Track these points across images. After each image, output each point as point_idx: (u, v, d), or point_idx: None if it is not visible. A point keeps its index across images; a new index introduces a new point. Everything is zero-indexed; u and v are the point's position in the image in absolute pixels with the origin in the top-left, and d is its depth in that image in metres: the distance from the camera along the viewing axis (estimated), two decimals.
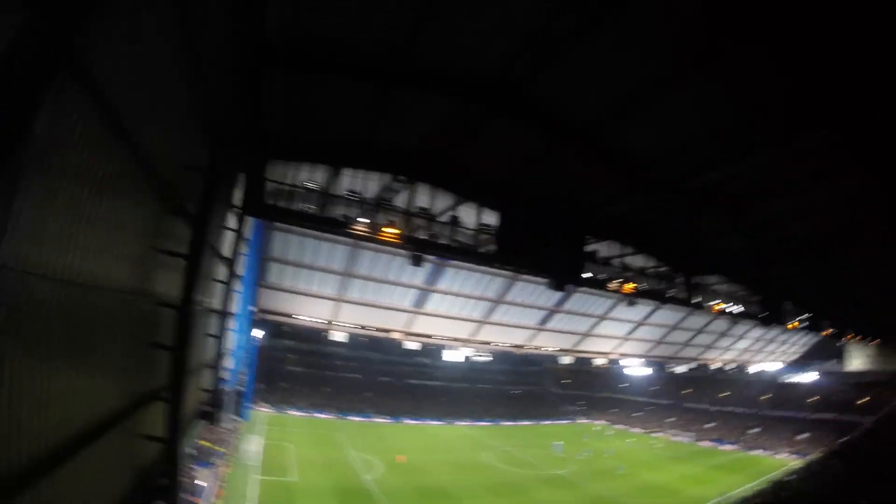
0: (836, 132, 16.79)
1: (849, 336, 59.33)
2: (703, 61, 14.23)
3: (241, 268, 25.60)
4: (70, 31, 4.58)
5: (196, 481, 33.22)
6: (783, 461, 64.95)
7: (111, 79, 5.80)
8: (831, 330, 54.25)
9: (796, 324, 48.03)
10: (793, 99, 15.60)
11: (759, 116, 16.82)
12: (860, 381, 79.41)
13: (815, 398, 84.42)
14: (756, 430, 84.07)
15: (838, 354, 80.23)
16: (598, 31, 13.26)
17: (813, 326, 51.24)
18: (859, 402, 75.89)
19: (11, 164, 4.14)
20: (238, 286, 24.91)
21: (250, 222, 24.46)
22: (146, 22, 6.55)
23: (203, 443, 41.14)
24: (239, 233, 19.15)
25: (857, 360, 73.92)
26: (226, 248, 18.31)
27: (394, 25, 13.43)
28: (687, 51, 13.90)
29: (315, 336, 77.10)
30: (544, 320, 52.25)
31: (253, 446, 47.24)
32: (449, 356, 55.34)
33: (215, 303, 17.82)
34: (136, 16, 6.18)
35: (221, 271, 18.04)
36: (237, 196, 19.36)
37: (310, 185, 22.78)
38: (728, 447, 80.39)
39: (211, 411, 18.88)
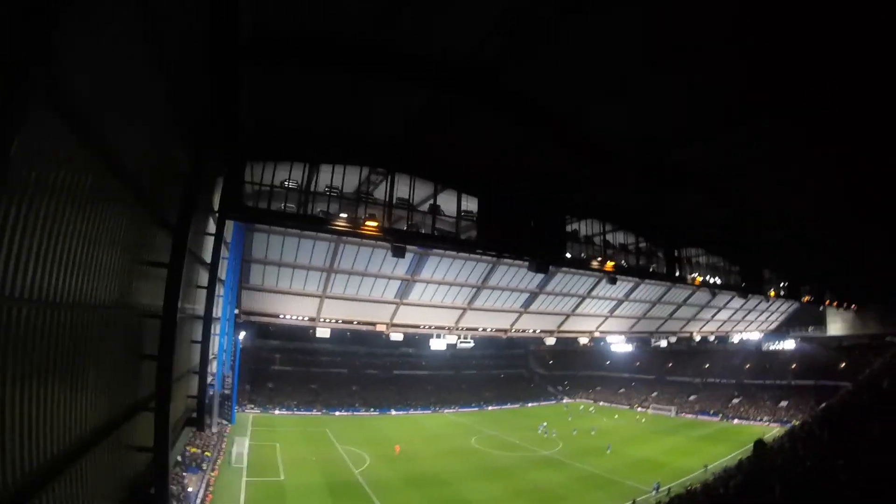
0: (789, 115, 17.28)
1: (827, 302, 60.53)
2: (673, 53, 14.30)
3: (223, 272, 25.33)
4: (41, 49, 4.43)
5: (185, 488, 32.97)
6: (766, 429, 66.34)
7: (85, 93, 5.64)
8: (810, 297, 55.28)
9: (774, 293, 48.84)
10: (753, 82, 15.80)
11: (726, 98, 17.00)
12: (840, 346, 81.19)
13: (795, 365, 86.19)
14: (738, 399, 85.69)
15: (818, 321, 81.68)
16: (572, 20, 13.17)
17: (792, 294, 52.20)
18: (839, 366, 77.65)
19: None
20: (220, 290, 24.64)
21: (230, 225, 24.15)
22: (117, 33, 6.36)
23: (191, 449, 40.85)
24: (219, 237, 18.87)
25: (836, 325, 75.26)
26: (206, 254, 18.06)
27: (367, 14, 13.21)
28: (656, 43, 13.95)
29: (299, 334, 76.87)
30: (527, 303, 52.43)
31: (240, 449, 46.94)
32: (434, 345, 55.33)
33: (198, 309, 17.59)
34: (107, 28, 6.00)
35: (203, 277, 17.81)
36: (216, 200, 19.09)
37: (288, 184, 22.50)
38: (711, 418, 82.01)
39: (198, 417, 18.66)
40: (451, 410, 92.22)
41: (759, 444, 31.29)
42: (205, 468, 39.27)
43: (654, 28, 13.32)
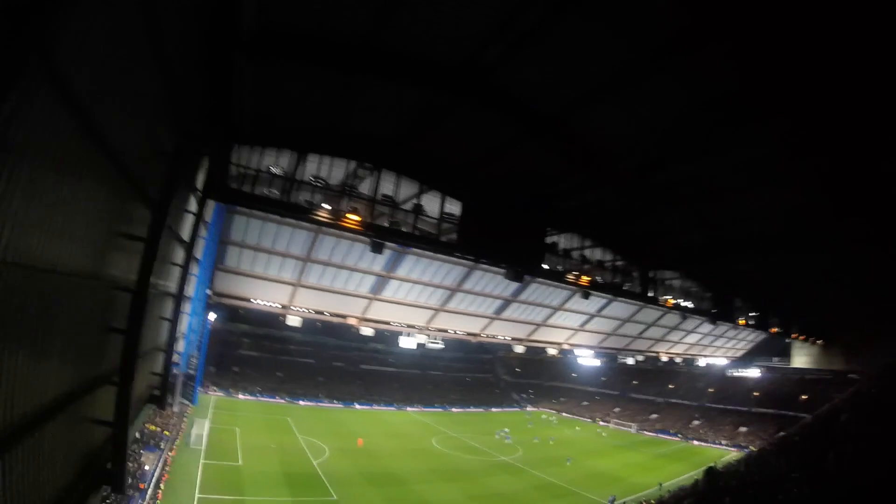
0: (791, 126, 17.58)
1: (794, 335, 61.71)
2: (665, 56, 14.47)
3: (199, 251, 25.08)
4: (35, 20, 4.41)
5: (142, 466, 32.59)
6: (723, 452, 67.48)
7: (74, 64, 5.62)
8: (777, 328, 56.29)
9: (744, 321, 49.68)
10: (745, 98, 16.05)
11: (713, 113, 17.25)
12: (802, 379, 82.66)
13: (757, 393, 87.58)
14: (698, 421, 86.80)
15: (783, 352, 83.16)
16: (562, 23, 13.32)
17: (760, 324, 53.14)
18: (800, 398, 79.04)
19: None
20: (195, 269, 24.39)
21: (212, 205, 23.93)
22: (110, 9, 6.33)
23: (150, 427, 40.37)
24: (199, 216, 18.68)
25: (801, 358, 76.69)
26: (185, 231, 17.88)
27: (361, 12, 13.24)
28: (647, 48, 14.14)
29: (269, 320, 76.35)
30: (500, 309, 52.74)
31: (200, 430, 46.47)
32: (404, 343, 55.40)
33: (171, 286, 17.40)
34: (100, 3, 5.97)
35: (179, 254, 17.63)
36: (200, 179, 18.91)
37: (274, 170, 22.39)
38: (671, 437, 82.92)
39: (160, 395, 18.44)
40: (415, 409, 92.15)
41: (710, 470, 31.75)
42: (163, 447, 38.82)
43: (640, 31, 13.52)
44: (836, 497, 14.27)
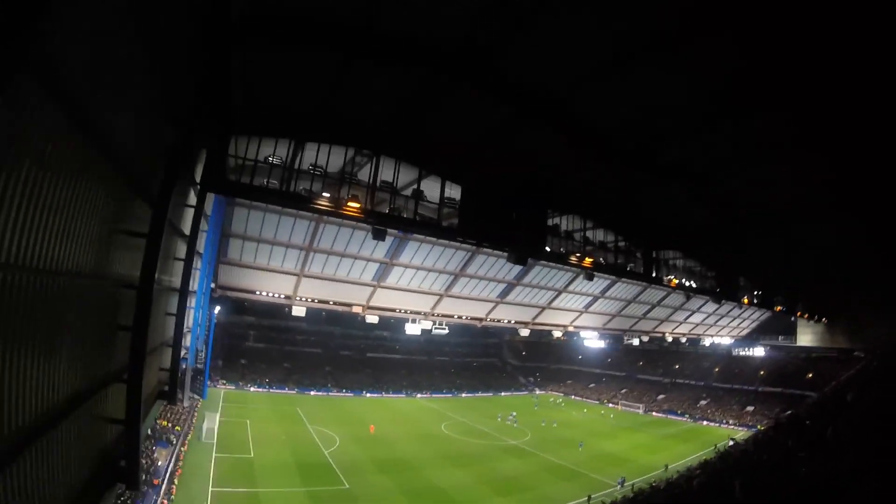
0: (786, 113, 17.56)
1: (798, 313, 61.63)
2: (665, 43, 14.34)
3: (201, 245, 25.05)
4: (26, 19, 4.35)
5: (155, 462, 32.81)
6: (731, 431, 67.70)
7: (67, 62, 5.56)
8: (782, 307, 56.20)
9: (748, 300, 49.63)
10: (747, 80, 15.93)
11: (715, 95, 17.16)
12: (808, 357, 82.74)
13: (763, 372, 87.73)
14: (705, 401, 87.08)
15: (788, 331, 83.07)
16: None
17: (765, 303, 53.05)
18: (806, 376, 79.17)
19: None
20: (198, 263, 24.38)
21: (212, 198, 23.87)
22: (102, 4, 6.26)
23: (162, 422, 40.60)
24: (199, 209, 18.64)
25: (807, 336, 76.46)
26: (186, 226, 17.85)
27: None
28: (648, 31, 13.99)
29: (275, 311, 76.47)
30: (504, 293, 52.73)
31: (211, 424, 46.76)
32: (409, 329, 55.51)
33: (175, 281, 17.40)
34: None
35: (181, 249, 17.61)
36: (198, 172, 18.84)
37: (272, 160, 22.31)
38: (678, 418, 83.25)
39: (170, 390, 18.53)
40: (424, 395, 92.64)
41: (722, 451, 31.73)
42: (175, 442, 39.07)
43: (642, 16, 13.38)
44: (837, 471, 14.27)
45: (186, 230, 17.84)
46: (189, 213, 18.21)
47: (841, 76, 14.88)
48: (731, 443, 30.84)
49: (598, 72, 16.46)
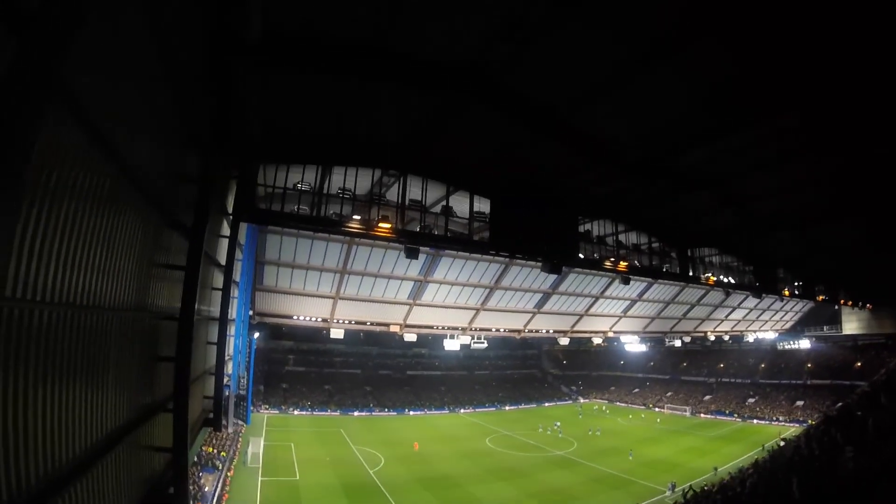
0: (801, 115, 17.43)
1: (841, 301, 60.03)
2: (673, 50, 14.27)
3: (237, 273, 25.53)
4: (55, 58, 4.53)
5: (202, 488, 33.24)
6: (782, 428, 65.90)
7: (96, 99, 5.75)
8: (824, 296, 54.82)
9: (788, 292, 48.50)
10: (761, 85, 15.75)
11: (729, 101, 17.01)
12: (855, 345, 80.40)
13: (810, 365, 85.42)
14: (753, 399, 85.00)
15: (832, 320, 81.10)
16: (569, 17, 13.16)
17: (806, 293, 51.82)
18: (854, 366, 76.85)
19: (10, 193, 4.10)
20: (235, 292, 24.84)
21: (244, 227, 24.34)
22: (124, 38, 6.47)
23: (207, 449, 41.18)
24: (234, 239, 19.06)
25: (852, 324, 74.64)
26: (221, 256, 18.24)
27: (371, 18, 13.27)
28: (657, 41, 13.92)
29: (313, 335, 77.28)
30: (540, 303, 52.36)
31: (255, 449, 47.22)
32: (448, 345, 55.43)
33: (214, 310, 17.76)
34: (115, 33, 6.11)
35: (218, 279, 17.99)
36: (230, 202, 19.27)
37: (301, 186, 22.68)
38: (727, 418, 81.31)
39: (215, 417, 18.85)
40: (466, 410, 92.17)
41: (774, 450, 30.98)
42: (220, 468, 39.57)
43: (650, 25, 13.32)
44: (879, 464, 13.79)
45: (222, 260, 18.23)
46: (224, 244, 18.62)
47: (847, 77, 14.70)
48: (781, 443, 29.95)
49: (606, 86, 16.44)
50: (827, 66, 14.30)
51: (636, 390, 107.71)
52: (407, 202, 24.02)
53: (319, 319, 45.06)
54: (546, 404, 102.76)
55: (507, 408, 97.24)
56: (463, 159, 23.05)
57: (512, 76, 16.06)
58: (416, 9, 12.88)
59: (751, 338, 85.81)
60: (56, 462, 5.80)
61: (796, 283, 50.18)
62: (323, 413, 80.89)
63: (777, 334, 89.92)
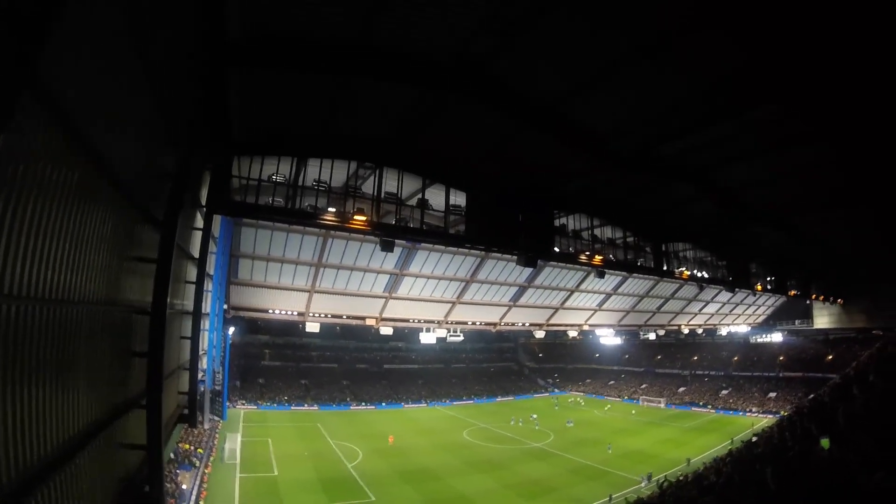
0: (785, 105, 17.52)
1: (813, 296, 61.26)
2: (658, 44, 14.34)
3: (211, 267, 25.21)
4: (29, 48, 4.42)
5: (179, 485, 32.87)
6: (754, 419, 67.21)
7: (69, 92, 5.63)
8: (796, 291, 55.86)
9: (761, 286, 49.34)
10: (745, 75, 15.89)
11: (712, 92, 17.12)
12: (826, 339, 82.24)
13: (782, 357, 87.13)
14: (727, 391, 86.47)
15: (804, 314, 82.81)
16: (553, 10, 13.14)
17: (778, 288, 52.76)
18: (826, 359, 78.57)
19: None
20: (209, 285, 24.53)
21: (218, 220, 24.04)
22: (102, 34, 6.34)
23: (184, 445, 40.71)
24: (207, 231, 18.79)
25: (823, 318, 76.26)
26: (195, 248, 17.99)
27: (350, 15, 13.15)
28: (642, 32, 13.97)
29: (289, 329, 76.77)
30: (516, 296, 52.65)
31: (232, 445, 46.77)
32: (424, 338, 55.48)
33: (187, 304, 17.53)
34: (92, 29, 5.98)
35: (191, 272, 17.75)
36: (203, 194, 19.00)
37: (276, 178, 22.45)
38: (701, 409, 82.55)
39: (190, 413, 18.62)
40: (443, 404, 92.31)
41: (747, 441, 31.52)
42: (198, 465, 39.13)
43: (637, 16, 13.34)
44: (851, 453, 14.10)
45: (195, 253, 17.99)
46: (197, 236, 18.36)
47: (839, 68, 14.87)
48: (753, 439, 30.51)
49: (596, 77, 16.46)
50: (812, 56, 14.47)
51: (611, 382, 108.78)
52: (383, 195, 23.91)
53: (295, 313, 44.83)
54: (522, 397, 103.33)
55: (483, 401, 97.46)
56: (442, 152, 22.95)
57: (497, 67, 16.00)
58: (400, 4, 12.78)
59: (724, 331, 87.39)
60: (26, 462, 5.68)
61: (769, 278, 51.11)
62: (300, 408, 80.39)
63: (750, 328, 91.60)
